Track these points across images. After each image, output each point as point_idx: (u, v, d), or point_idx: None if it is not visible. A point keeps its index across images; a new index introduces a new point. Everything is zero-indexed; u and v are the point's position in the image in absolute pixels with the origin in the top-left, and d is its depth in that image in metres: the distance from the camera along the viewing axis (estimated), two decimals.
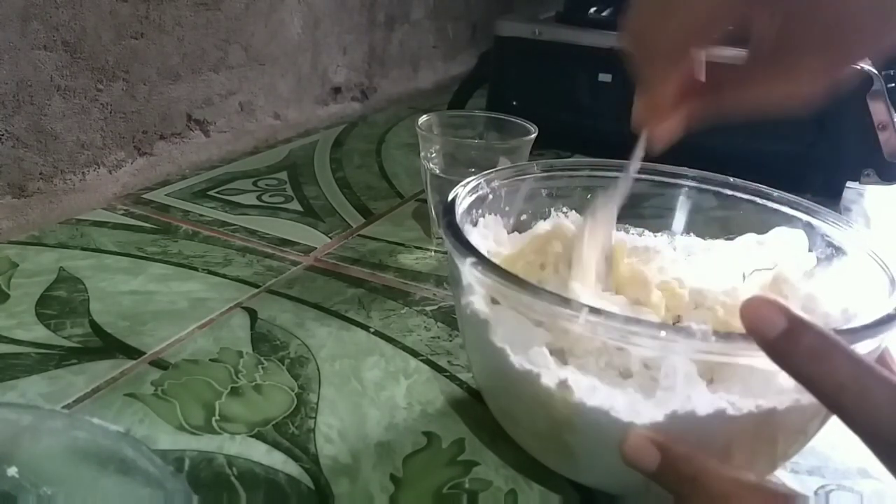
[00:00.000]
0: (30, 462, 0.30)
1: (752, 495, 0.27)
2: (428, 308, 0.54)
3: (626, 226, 0.48)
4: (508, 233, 0.46)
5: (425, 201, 0.68)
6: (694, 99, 0.35)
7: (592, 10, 0.94)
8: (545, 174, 0.46)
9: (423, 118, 0.63)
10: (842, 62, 0.31)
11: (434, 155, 0.61)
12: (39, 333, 0.48)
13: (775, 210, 0.43)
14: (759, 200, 0.44)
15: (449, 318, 0.53)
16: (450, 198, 0.40)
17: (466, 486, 0.38)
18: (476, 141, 0.64)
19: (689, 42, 0.32)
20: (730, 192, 0.44)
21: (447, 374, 0.47)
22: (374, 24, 1.08)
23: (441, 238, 0.61)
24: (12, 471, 0.30)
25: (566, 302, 0.30)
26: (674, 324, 0.39)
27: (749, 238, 0.44)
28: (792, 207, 0.43)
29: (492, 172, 0.43)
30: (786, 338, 0.26)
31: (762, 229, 0.44)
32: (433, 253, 0.63)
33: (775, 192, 0.44)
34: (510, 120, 0.64)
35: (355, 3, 1.02)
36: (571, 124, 0.90)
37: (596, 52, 0.86)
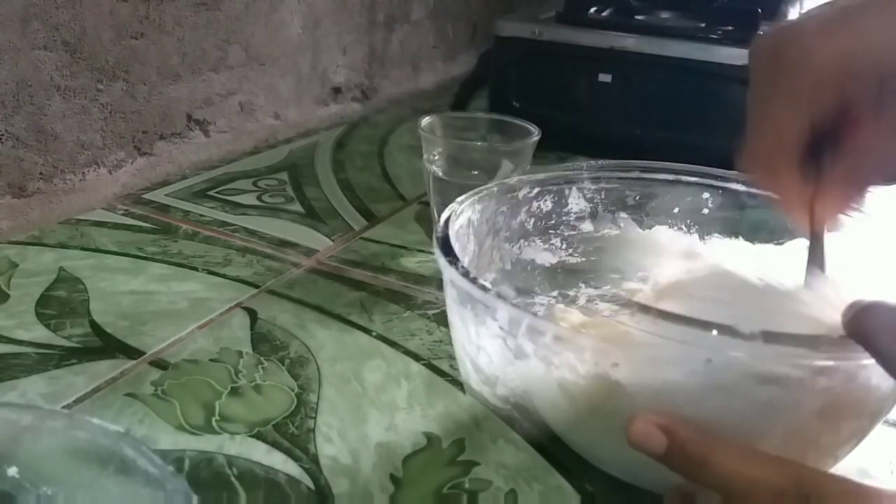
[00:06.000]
0: (30, 462, 0.30)
1: (762, 473, 0.27)
2: (430, 311, 0.54)
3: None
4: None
5: (428, 204, 0.67)
6: (841, 185, 0.35)
7: (592, 9, 0.95)
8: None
9: (425, 120, 0.62)
10: None
11: (437, 157, 0.61)
12: (39, 333, 0.48)
13: None
14: None
15: None
16: (444, 217, 0.39)
17: (466, 486, 0.38)
18: (479, 143, 0.64)
19: (785, 151, 0.34)
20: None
21: (449, 378, 0.47)
22: (373, 25, 1.08)
23: None
24: (12, 471, 0.29)
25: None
26: None
27: (799, 243, 0.44)
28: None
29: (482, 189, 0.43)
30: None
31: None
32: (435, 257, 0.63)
33: None
34: (513, 122, 0.64)
35: (355, 3, 1.02)
36: (573, 125, 0.90)
37: (596, 53, 0.86)
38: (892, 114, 0.32)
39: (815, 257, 0.37)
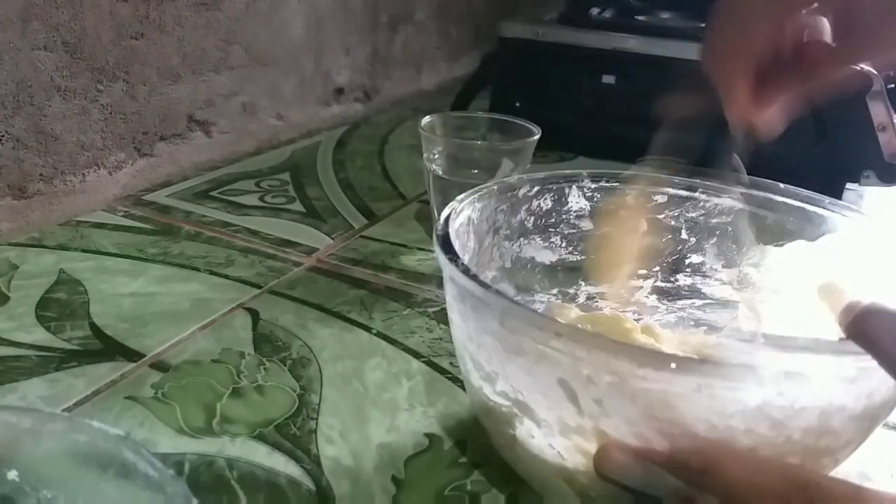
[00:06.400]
0: (30, 465, 0.30)
1: (764, 479, 0.27)
2: (430, 309, 0.54)
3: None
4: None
5: (428, 202, 0.67)
6: (787, 85, 0.37)
7: (594, 10, 0.94)
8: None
9: (426, 119, 0.62)
10: None
11: (437, 156, 0.61)
12: (39, 336, 0.48)
13: (825, 217, 0.43)
14: (809, 207, 0.43)
15: None
16: (444, 215, 0.39)
17: (468, 488, 0.38)
18: (479, 142, 0.64)
19: (744, 54, 0.36)
20: (780, 199, 0.44)
21: (449, 375, 0.46)
22: (376, 25, 1.08)
23: None
24: (12, 474, 0.29)
25: None
26: None
27: (799, 245, 0.44)
28: (843, 215, 0.42)
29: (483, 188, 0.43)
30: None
31: (813, 236, 0.43)
32: (435, 254, 0.63)
33: (827, 199, 0.43)
34: (513, 121, 0.64)
35: (357, 4, 1.02)
36: (575, 126, 0.89)
37: (598, 54, 0.86)
38: (849, 39, 0.33)
39: (735, 162, 0.40)
